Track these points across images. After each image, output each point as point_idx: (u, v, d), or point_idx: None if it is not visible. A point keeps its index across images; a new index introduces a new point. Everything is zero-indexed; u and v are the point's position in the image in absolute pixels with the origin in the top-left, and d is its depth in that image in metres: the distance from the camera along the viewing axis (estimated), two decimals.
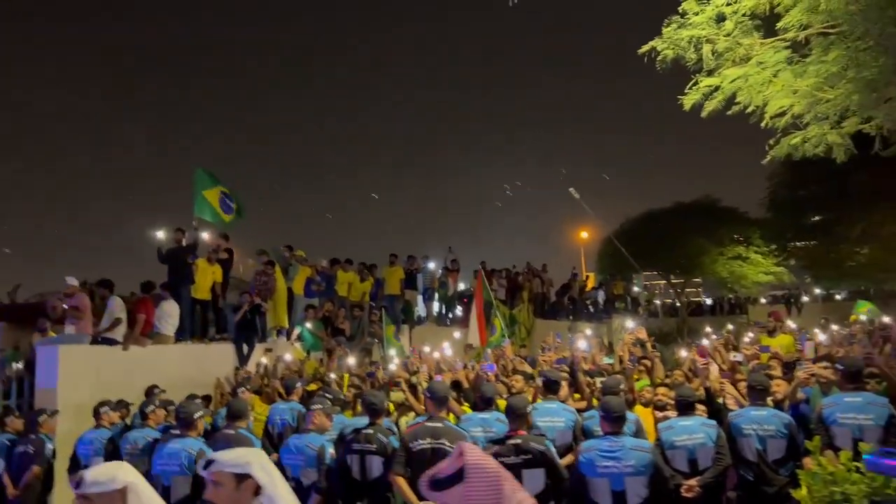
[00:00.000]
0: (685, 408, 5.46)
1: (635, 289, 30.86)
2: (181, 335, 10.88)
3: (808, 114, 5.66)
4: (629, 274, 29.64)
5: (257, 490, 2.56)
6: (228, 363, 11.06)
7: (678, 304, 31.08)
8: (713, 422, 5.43)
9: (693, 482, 5.10)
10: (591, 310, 24.56)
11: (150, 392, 8.39)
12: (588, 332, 16.44)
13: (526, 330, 19.09)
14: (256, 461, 2.61)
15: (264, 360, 10.51)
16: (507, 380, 7.88)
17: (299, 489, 5.52)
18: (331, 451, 5.58)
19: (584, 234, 36.61)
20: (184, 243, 11.34)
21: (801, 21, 5.19)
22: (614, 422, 4.66)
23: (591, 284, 27.65)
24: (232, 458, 2.60)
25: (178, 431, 5.89)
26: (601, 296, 25.58)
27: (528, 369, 8.84)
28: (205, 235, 12.66)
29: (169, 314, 10.36)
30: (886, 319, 20.07)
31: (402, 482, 5.02)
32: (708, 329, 17.87)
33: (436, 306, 17.68)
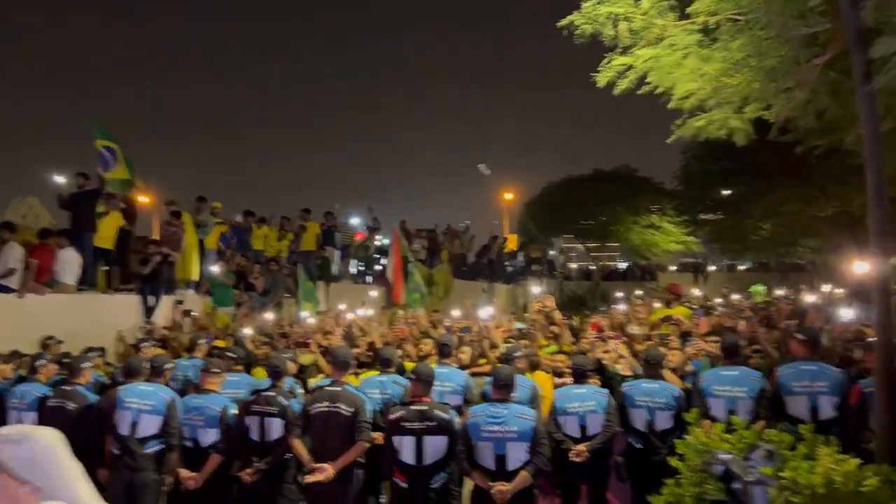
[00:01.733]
0: (579, 376, 5.70)
1: (552, 252, 31.57)
2: (83, 285, 10.47)
3: (711, 98, 5.83)
4: (548, 237, 30.30)
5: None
6: (133, 315, 10.74)
7: (592, 269, 32.03)
8: (605, 390, 5.69)
9: (582, 447, 5.35)
10: (510, 271, 25.03)
11: (45, 344, 8.07)
12: (485, 303, 16.75)
13: (444, 289, 19.29)
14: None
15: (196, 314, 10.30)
16: (417, 343, 7.99)
17: (197, 449, 5.50)
18: (233, 411, 5.56)
19: (508, 196, 37.02)
20: (87, 188, 10.81)
21: (710, 8, 5.31)
22: (501, 389, 4.81)
23: (511, 246, 28.10)
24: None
25: (69, 387, 5.79)
26: (520, 258, 26.07)
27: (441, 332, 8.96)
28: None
29: (70, 262, 9.93)
30: (779, 292, 21.33)
31: (298, 445, 5.06)
32: (619, 294, 18.53)
33: (353, 263, 17.60)
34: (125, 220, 11.35)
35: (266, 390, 5.46)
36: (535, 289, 16.74)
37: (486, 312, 8.43)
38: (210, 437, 5.49)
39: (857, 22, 4.27)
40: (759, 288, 16.70)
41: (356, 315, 9.89)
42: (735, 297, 19.90)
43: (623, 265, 42.85)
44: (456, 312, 10.92)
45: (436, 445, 4.82)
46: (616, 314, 9.42)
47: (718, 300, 17.16)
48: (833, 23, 4.79)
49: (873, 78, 4.23)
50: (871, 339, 5.61)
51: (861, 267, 6.45)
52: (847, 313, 7.07)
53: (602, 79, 6.01)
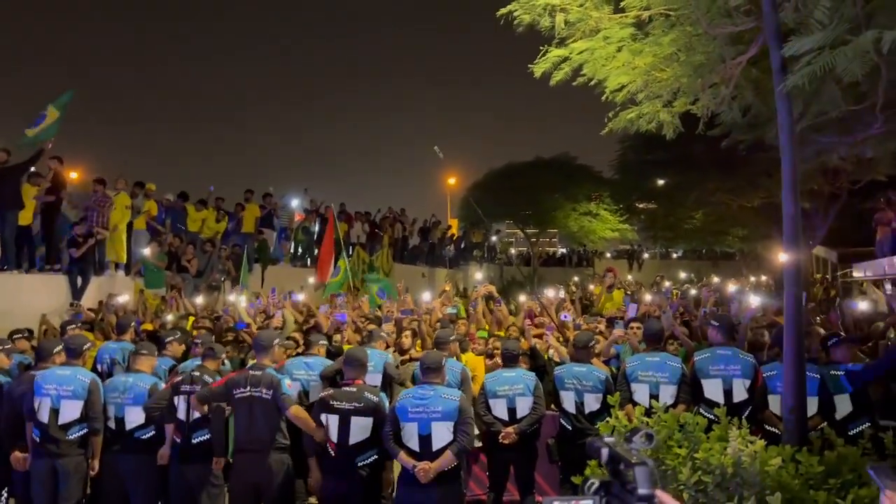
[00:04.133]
0: (509, 360, 5.83)
1: (493, 238, 31.88)
2: (5, 264, 10.07)
3: (642, 92, 5.98)
4: (490, 223, 30.56)
5: None
6: (61, 296, 10.39)
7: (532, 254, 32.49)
8: (532, 374, 5.83)
9: (510, 430, 5.49)
10: (451, 255, 25.22)
11: None
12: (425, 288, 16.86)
13: (384, 273, 19.26)
14: None
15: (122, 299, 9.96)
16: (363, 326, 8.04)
17: (120, 428, 5.45)
18: (163, 385, 5.55)
19: (452, 181, 37.19)
20: (9, 163, 10.35)
21: (642, 3, 5.44)
22: (429, 373, 4.90)
23: (453, 231, 28.26)
24: None
25: None
26: (462, 244, 26.32)
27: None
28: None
29: None
30: (716, 279, 22.08)
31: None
32: (553, 287, 18.79)
33: (292, 246, 17.41)
34: (53, 196, 10.94)
35: (194, 370, 5.44)
36: (478, 275, 16.91)
37: (426, 296, 8.50)
38: (136, 415, 5.43)
39: (777, 22, 4.45)
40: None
41: (291, 300, 9.81)
42: (667, 283, 20.57)
43: (562, 251, 43.60)
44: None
45: (362, 426, 4.90)
46: (549, 300, 9.64)
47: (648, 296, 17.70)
48: (757, 22, 4.97)
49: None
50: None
51: (784, 256, 6.79)
52: (755, 300, 7.41)
53: (538, 69, 6.10)
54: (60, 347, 5.74)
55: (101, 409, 5.42)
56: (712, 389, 5.42)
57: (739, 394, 5.35)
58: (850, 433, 4.81)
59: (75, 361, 5.60)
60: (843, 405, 5.16)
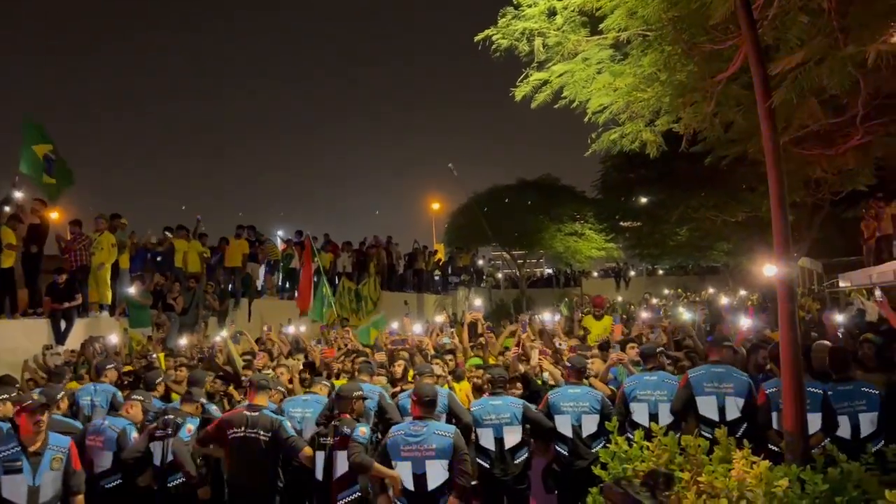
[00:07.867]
0: (495, 387, 5.73)
1: (479, 262, 31.84)
2: None
3: (624, 113, 6.00)
4: (476, 247, 30.55)
5: None
6: (43, 341, 10.17)
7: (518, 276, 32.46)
8: (521, 401, 5.67)
9: None
10: (438, 280, 25.14)
11: None
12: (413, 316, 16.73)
13: (372, 303, 19.11)
14: None
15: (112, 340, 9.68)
16: (346, 360, 7.90)
17: (90, 475, 5.20)
18: (134, 434, 5.45)
19: (436, 206, 37.16)
20: None
21: (620, 25, 5.47)
22: (424, 406, 4.75)
23: (439, 256, 28.19)
24: None
25: None
26: (448, 269, 26.26)
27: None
28: (18, 194, 11.37)
29: None
30: (712, 290, 22.07)
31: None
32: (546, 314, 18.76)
33: (279, 278, 17.26)
34: (35, 241, 10.77)
35: (166, 413, 5.36)
36: (477, 301, 16.85)
37: (418, 327, 8.41)
38: (103, 459, 5.30)
39: (757, 41, 4.46)
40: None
41: (282, 333, 9.68)
42: (654, 300, 20.59)
43: (548, 271, 43.57)
44: (394, 325, 10.85)
45: (345, 459, 4.77)
46: (555, 329, 9.57)
47: (642, 306, 17.67)
48: (736, 39, 4.99)
49: (773, 92, 4.43)
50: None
51: (769, 269, 6.79)
52: (745, 322, 7.40)
53: (519, 93, 6.11)
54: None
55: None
56: (707, 407, 5.37)
57: (732, 412, 5.31)
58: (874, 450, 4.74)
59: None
60: (866, 423, 5.04)
